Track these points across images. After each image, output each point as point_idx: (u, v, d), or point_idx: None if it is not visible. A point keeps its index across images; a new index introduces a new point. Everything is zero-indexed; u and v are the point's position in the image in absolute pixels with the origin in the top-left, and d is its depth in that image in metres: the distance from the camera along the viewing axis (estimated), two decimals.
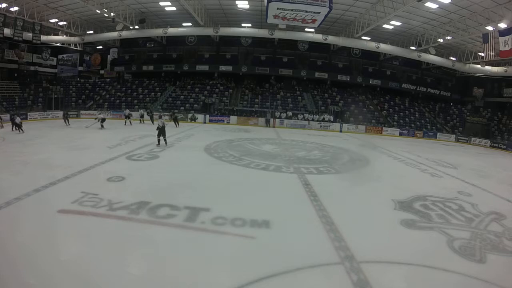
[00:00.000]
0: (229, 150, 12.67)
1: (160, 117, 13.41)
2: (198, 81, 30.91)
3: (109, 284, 3.62)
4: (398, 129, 26.19)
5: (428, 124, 27.84)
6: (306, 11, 15.91)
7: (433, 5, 18.08)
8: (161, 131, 12.46)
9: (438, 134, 26.25)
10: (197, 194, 6.91)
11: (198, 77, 31.06)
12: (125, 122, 20.24)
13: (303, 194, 7.38)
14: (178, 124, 20.05)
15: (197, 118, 25.29)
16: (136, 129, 18.38)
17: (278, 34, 25.33)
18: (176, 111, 24.79)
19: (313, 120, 26.08)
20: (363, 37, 24.84)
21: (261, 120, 25.82)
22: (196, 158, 10.96)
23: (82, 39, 28.13)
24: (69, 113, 20.61)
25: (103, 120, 17.89)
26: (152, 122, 20.00)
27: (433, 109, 30.59)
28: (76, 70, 34.89)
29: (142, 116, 22.51)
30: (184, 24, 25.97)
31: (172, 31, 26.06)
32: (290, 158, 11.86)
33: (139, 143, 13.17)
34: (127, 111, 21.31)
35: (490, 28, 18.26)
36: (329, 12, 15.86)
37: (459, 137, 25.72)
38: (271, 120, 25.77)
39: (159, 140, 12.56)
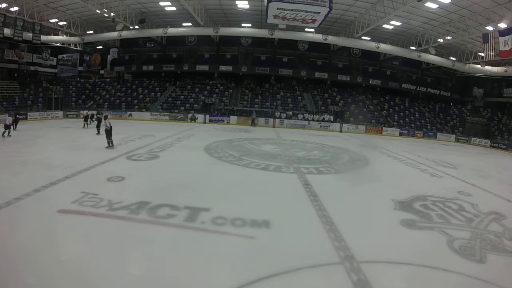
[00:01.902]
0: (229, 150, 12.67)
1: (105, 118, 12.39)
2: (198, 81, 30.92)
3: (109, 284, 3.62)
4: (398, 129, 26.20)
5: (428, 124, 27.85)
6: (306, 11, 15.91)
7: (433, 5, 18.08)
8: (108, 133, 11.85)
9: (438, 134, 26.26)
10: (197, 194, 6.91)
11: (198, 77, 31.07)
12: (84, 124, 17.94)
13: (303, 194, 7.38)
14: (98, 131, 15.56)
15: (197, 118, 25.29)
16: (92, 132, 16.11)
17: (278, 34, 25.33)
18: (103, 113, 19.87)
19: (313, 120, 26.09)
20: (363, 37, 24.83)
21: (261, 120, 25.83)
22: (196, 158, 10.96)
23: (82, 39, 28.14)
24: (18, 116, 16.59)
25: (6, 126, 13.89)
26: (87, 124, 18.00)
27: (433, 109, 30.59)
28: (76, 70, 34.91)
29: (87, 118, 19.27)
30: (184, 24, 25.97)
31: (172, 31, 26.06)
32: (290, 158, 11.86)
33: (139, 143, 13.17)
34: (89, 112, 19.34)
35: (490, 28, 18.26)
36: (329, 12, 15.87)
37: (459, 137, 25.73)
38: (271, 120, 25.78)
39: (109, 142, 11.78)
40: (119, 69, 32.53)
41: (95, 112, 20.55)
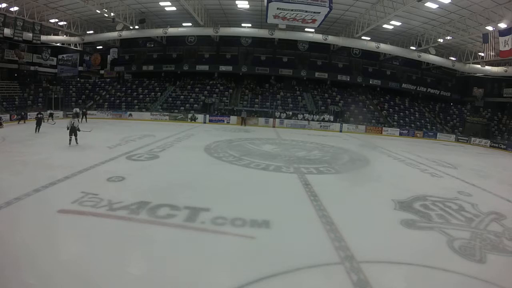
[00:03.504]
0: (229, 150, 12.67)
1: (74, 116, 11.99)
2: (198, 81, 30.91)
3: (109, 284, 3.62)
4: (398, 129, 26.19)
5: (428, 124, 27.84)
6: (306, 11, 15.91)
7: (433, 5, 18.08)
8: (72, 131, 11.81)
9: (438, 134, 26.25)
10: (197, 194, 6.91)
11: (198, 77, 31.06)
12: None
13: (303, 194, 7.38)
14: (38, 130, 15.24)
15: (197, 118, 25.29)
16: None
17: (278, 34, 25.33)
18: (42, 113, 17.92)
19: (313, 120, 26.08)
20: (363, 37, 24.82)
21: (261, 120, 25.81)
22: (196, 158, 10.96)
23: (82, 39, 28.13)
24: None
25: None
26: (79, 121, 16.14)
27: (433, 109, 30.59)
28: (76, 70, 34.89)
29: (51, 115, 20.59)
30: (184, 24, 25.97)
31: (172, 31, 26.07)
32: (290, 158, 11.86)
33: (139, 143, 13.18)
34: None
35: (490, 28, 18.25)
36: (329, 12, 15.87)
37: (459, 137, 25.72)
38: (271, 120, 25.77)
39: (70, 140, 11.78)
40: (119, 69, 32.51)
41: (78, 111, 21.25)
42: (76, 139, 11.93)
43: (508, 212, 6.88)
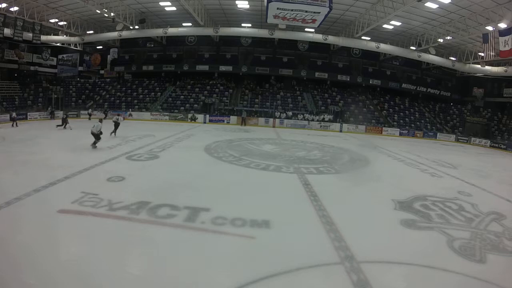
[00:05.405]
0: (229, 150, 12.67)
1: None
2: (198, 81, 30.91)
3: (109, 284, 3.62)
4: (398, 129, 26.19)
5: (428, 124, 27.84)
6: (306, 11, 15.93)
7: (433, 5, 18.08)
8: (116, 126, 12.38)
9: (438, 134, 26.25)
10: (197, 194, 6.91)
11: (198, 77, 31.05)
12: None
13: (303, 194, 7.38)
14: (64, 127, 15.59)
15: (197, 118, 25.29)
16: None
17: (278, 34, 25.32)
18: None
19: (313, 120, 26.07)
20: (363, 37, 24.83)
21: (261, 120, 25.81)
22: (196, 158, 10.96)
23: (82, 39, 28.12)
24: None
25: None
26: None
27: (433, 109, 30.58)
28: (76, 70, 34.88)
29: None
30: (184, 24, 25.98)
31: (172, 31, 26.07)
32: (290, 158, 11.86)
33: (139, 143, 13.17)
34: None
35: (490, 28, 18.26)
36: (329, 12, 15.88)
37: (459, 137, 25.73)
38: (271, 120, 25.77)
39: (113, 132, 12.29)
40: (119, 69, 32.50)
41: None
42: (115, 132, 13.82)
43: (508, 212, 6.88)
